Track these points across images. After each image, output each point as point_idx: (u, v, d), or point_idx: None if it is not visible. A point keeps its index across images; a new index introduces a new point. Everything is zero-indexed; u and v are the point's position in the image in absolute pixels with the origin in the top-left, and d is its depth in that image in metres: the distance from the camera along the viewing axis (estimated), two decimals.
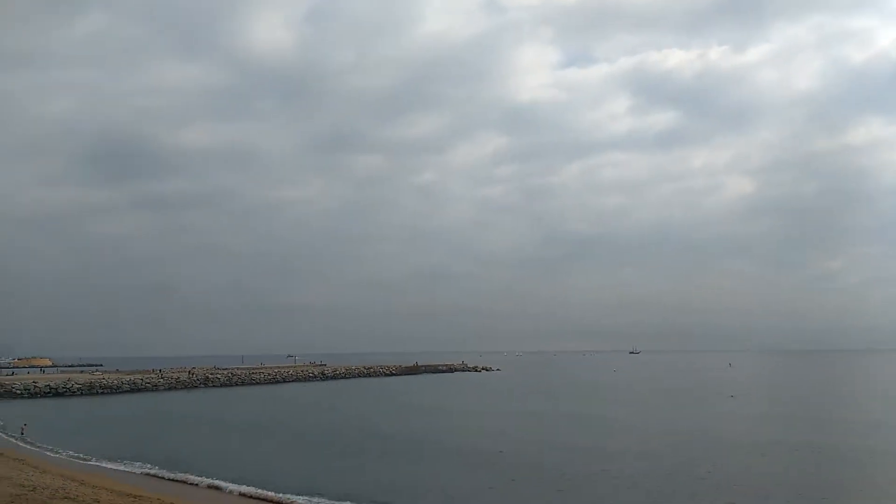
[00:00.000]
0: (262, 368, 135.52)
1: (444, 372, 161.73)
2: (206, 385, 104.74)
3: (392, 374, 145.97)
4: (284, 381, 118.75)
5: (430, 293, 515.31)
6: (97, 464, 35.11)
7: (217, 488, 29.06)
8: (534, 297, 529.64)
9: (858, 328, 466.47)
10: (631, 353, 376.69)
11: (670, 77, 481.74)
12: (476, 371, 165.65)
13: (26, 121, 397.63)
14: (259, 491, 27.97)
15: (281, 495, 27.17)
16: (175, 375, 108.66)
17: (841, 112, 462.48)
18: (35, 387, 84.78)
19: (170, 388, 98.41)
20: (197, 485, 29.87)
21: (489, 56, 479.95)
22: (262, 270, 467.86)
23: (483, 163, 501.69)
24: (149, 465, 34.19)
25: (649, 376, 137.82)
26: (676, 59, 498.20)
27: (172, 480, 30.98)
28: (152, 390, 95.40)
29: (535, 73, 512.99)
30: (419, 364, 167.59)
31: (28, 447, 40.94)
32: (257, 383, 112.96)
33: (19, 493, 21.99)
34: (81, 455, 37.69)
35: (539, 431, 48.12)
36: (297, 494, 27.17)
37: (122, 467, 34.27)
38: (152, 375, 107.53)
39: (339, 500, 26.17)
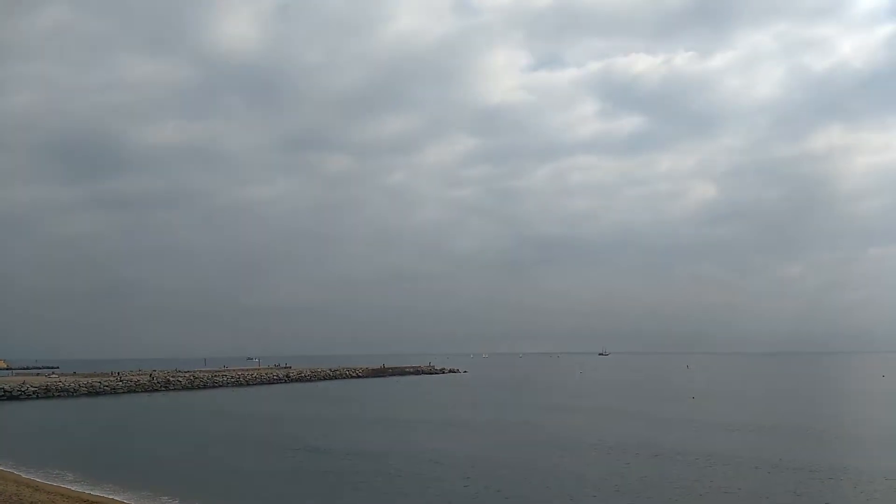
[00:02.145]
0: (224, 371, 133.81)
1: (410, 374, 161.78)
2: (167, 388, 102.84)
3: (359, 377, 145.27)
4: (248, 385, 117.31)
5: (399, 294, 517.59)
6: (52, 471, 34.20)
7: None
8: (504, 298, 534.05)
9: (818, 332, 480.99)
10: (600, 354, 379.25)
11: (637, 82, 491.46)
12: (442, 373, 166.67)
13: None
14: None
15: None
16: (135, 378, 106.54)
17: (802, 119, 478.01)
18: None
19: (129, 391, 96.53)
20: (150, 496, 29.23)
21: (460, 57, 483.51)
22: (228, 271, 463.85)
23: (454, 164, 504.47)
24: (102, 473, 33.35)
25: (614, 378, 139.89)
26: (644, 64, 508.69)
27: (128, 491, 30.18)
28: (111, 394, 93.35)
29: (505, 76, 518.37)
30: (386, 366, 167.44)
31: None
32: (220, 386, 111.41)
33: None
34: (36, 461, 36.61)
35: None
36: None
37: (75, 474, 33.38)
38: (111, 378, 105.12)
39: None
